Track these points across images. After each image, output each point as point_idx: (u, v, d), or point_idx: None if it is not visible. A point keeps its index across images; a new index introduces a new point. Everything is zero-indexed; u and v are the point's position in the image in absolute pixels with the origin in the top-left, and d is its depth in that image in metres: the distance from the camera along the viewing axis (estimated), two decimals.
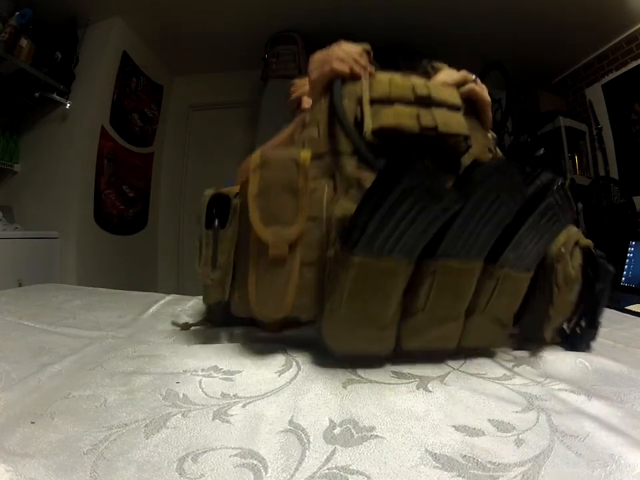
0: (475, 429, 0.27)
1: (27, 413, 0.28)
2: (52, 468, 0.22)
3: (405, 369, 0.37)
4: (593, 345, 0.47)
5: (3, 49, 1.68)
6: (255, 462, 0.23)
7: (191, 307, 0.66)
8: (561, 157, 2.56)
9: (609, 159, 2.47)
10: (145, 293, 0.77)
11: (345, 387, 0.33)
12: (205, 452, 0.24)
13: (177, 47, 2.52)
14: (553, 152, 2.55)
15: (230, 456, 0.24)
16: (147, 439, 0.25)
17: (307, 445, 0.25)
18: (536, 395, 0.32)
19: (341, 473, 0.22)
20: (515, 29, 2.25)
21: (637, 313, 0.67)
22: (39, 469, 0.22)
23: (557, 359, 0.41)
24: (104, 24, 2.15)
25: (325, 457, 0.23)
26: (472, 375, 0.37)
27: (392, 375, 0.36)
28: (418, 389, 0.34)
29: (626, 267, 1.22)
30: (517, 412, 0.30)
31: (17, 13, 1.75)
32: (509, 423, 0.28)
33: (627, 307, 0.72)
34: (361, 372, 0.35)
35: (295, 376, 0.35)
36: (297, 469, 0.22)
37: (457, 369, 0.37)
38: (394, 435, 0.26)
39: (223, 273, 0.41)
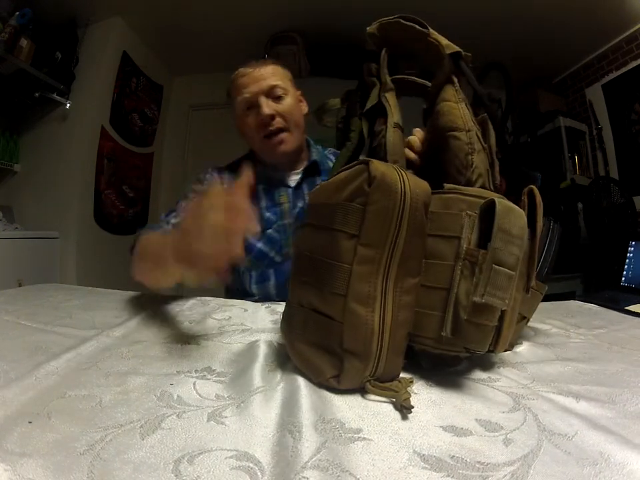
0: (462, 429, 0.27)
1: (24, 413, 0.29)
2: (49, 468, 0.22)
3: None
4: (588, 348, 0.47)
5: (3, 48, 1.68)
6: (251, 465, 0.23)
7: (188, 307, 0.66)
8: (561, 157, 2.56)
9: (609, 159, 2.47)
10: (144, 293, 0.77)
11: (331, 390, 0.33)
12: (201, 454, 0.24)
13: (177, 47, 2.52)
14: (553, 152, 2.55)
15: (225, 458, 0.24)
16: (143, 439, 0.26)
17: (301, 445, 0.25)
18: (523, 395, 0.33)
19: (332, 467, 0.23)
20: (515, 29, 2.25)
21: (637, 313, 0.67)
22: (36, 469, 0.22)
23: (545, 361, 0.42)
24: (104, 24, 2.15)
25: (317, 455, 0.24)
26: (457, 376, 0.37)
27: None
28: None
29: (626, 267, 1.22)
30: (504, 412, 0.30)
31: (17, 12, 1.75)
32: (496, 423, 0.28)
33: (627, 307, 0.72)
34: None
35: (285, 377, 0.36)
36: (292, 470, 0.22)
37: (442, 371, 0.38)
38: (381, 437, 0.26)
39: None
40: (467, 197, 0.34)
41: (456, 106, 0.40)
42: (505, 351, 0.44)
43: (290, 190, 0.85)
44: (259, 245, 0.82)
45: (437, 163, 0.41)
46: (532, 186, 0.38)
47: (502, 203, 0.32)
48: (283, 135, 0.80)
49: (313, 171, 0.87)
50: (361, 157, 0.39)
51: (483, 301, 0.30)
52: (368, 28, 0.46)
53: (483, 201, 0.33)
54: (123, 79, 2.30)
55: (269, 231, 0.82)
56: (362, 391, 0.33)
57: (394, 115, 0.43)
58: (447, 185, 0.36)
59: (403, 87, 0.51)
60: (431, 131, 0.44)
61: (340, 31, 2.36)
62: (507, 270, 0.31)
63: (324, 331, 0.33)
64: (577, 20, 2.13)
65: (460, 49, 0.42)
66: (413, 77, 0.50)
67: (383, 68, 0.46)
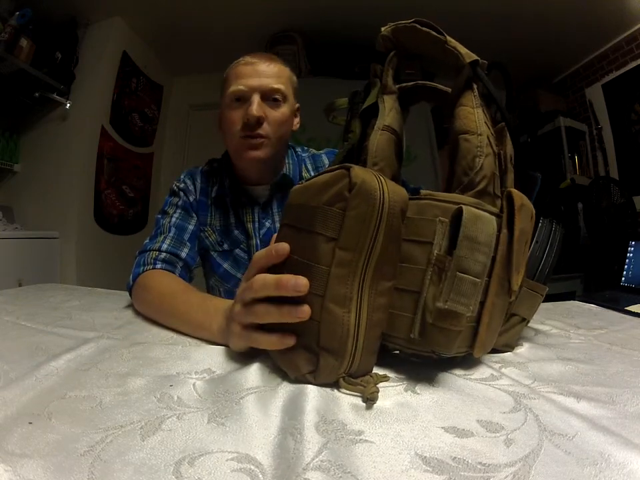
0: (464, 430, 0.27)
1: (24, 413, 0.29)
2: (50, 469, 0.22)
3: (392, 372, 0.37)
4: (588, 348, 0.47)
5: (3, 48, 1.69)
6: (252, 467, 0.23)
7: None
8: (561, 157, 2.57)
9: (609, 158, 2.48)
10: None
11: (332, 390, 0.33)
12: (201, 455, 0.24)
13: (177, 46, 2.53)
14: (553, 152, 2.55)
15: (226, 460, 0.24)
16: (143, 441, 0.25)
17: (302, 447, 0.25)
18: (524, 395, 0.33)
19: (333, 468, 0.23)
20: (515, 29, 2.25)
21: (637, 313, 0.67)
22: (37, 470, 0.22)
23: (546, 362, 0.42)
24: (104, 24, 2.16)
25: (319, 456, 0.24)
26: (459, 376, 0.37)
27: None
28: (406, 391, 0.34)
29: (626, 267, 1.22)
30: (504, 412, 0.30)
31: (17, 12, 1.75)
32: (497, 423, 0.28)
33: (627, 307, 0.72)
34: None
35: (286, 377, 0.35)
36: (294, 472, 0.22)
37: (444, 371, 0.38)
38: (383, 439, 0.26)
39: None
40: (441, 203, 0.35)
41: (472, 111, 0.41)
42: (506, 352, 0.45)
43: (257, 208, 0.79)
44: (225, 265, 0.78)
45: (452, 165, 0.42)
46: (510, 189, 0.38)
47: (469, 210, 0.33)
48: (263, 140, 0.72)
49: (283, 185, 0.79)
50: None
51: (446, 307, 0.32)
52: (382, 29, 0.46)
53: (456, 207, 0.34)
54: (123, 79, 2.31)
55: (236, 250, 0.78)
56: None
57: (385, 118, 0.43)
58: (422, 191, 0.37)
59: (424, 93, 0.51)
60: (450, 134, 0.45)
61: (340, 30, 2.36)
62: (471, 277, 0.32)
63: (302, 329, 0.34)
64: (577, 20, 2.13)
65: (478, 57, 0.42)
66: (435, 84, 0.51)
67: (387, 70, 0.46)
